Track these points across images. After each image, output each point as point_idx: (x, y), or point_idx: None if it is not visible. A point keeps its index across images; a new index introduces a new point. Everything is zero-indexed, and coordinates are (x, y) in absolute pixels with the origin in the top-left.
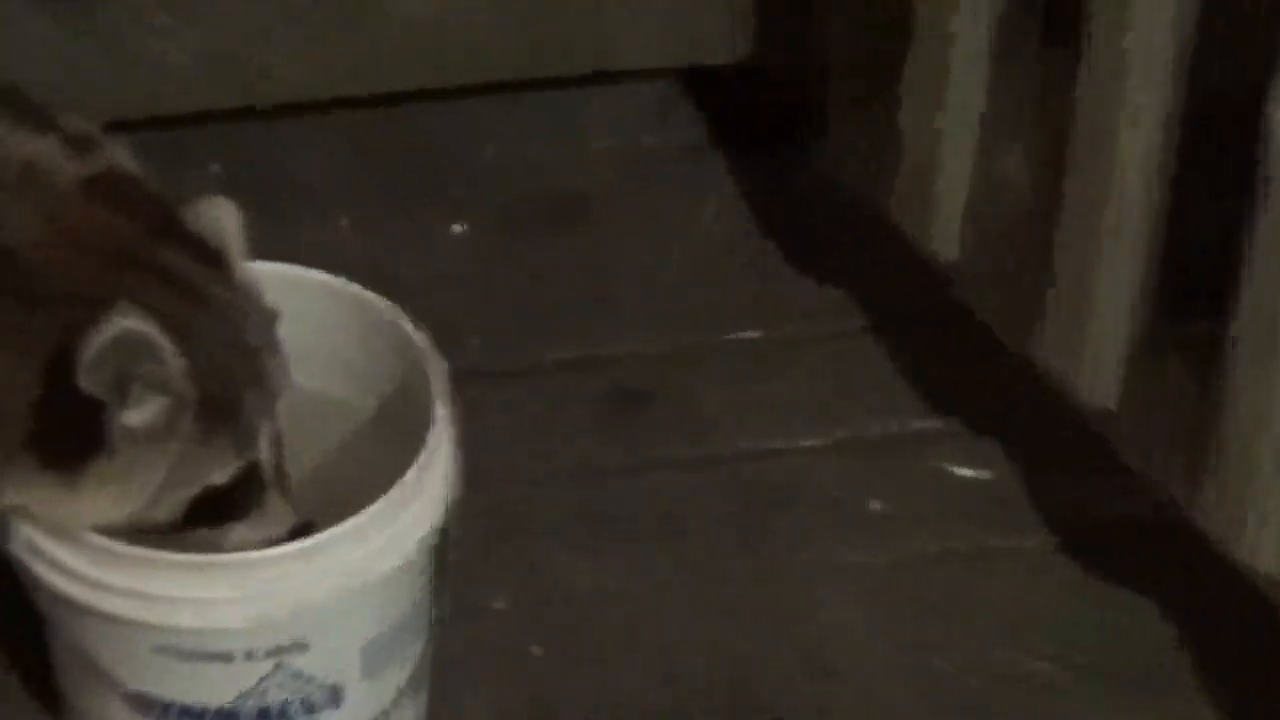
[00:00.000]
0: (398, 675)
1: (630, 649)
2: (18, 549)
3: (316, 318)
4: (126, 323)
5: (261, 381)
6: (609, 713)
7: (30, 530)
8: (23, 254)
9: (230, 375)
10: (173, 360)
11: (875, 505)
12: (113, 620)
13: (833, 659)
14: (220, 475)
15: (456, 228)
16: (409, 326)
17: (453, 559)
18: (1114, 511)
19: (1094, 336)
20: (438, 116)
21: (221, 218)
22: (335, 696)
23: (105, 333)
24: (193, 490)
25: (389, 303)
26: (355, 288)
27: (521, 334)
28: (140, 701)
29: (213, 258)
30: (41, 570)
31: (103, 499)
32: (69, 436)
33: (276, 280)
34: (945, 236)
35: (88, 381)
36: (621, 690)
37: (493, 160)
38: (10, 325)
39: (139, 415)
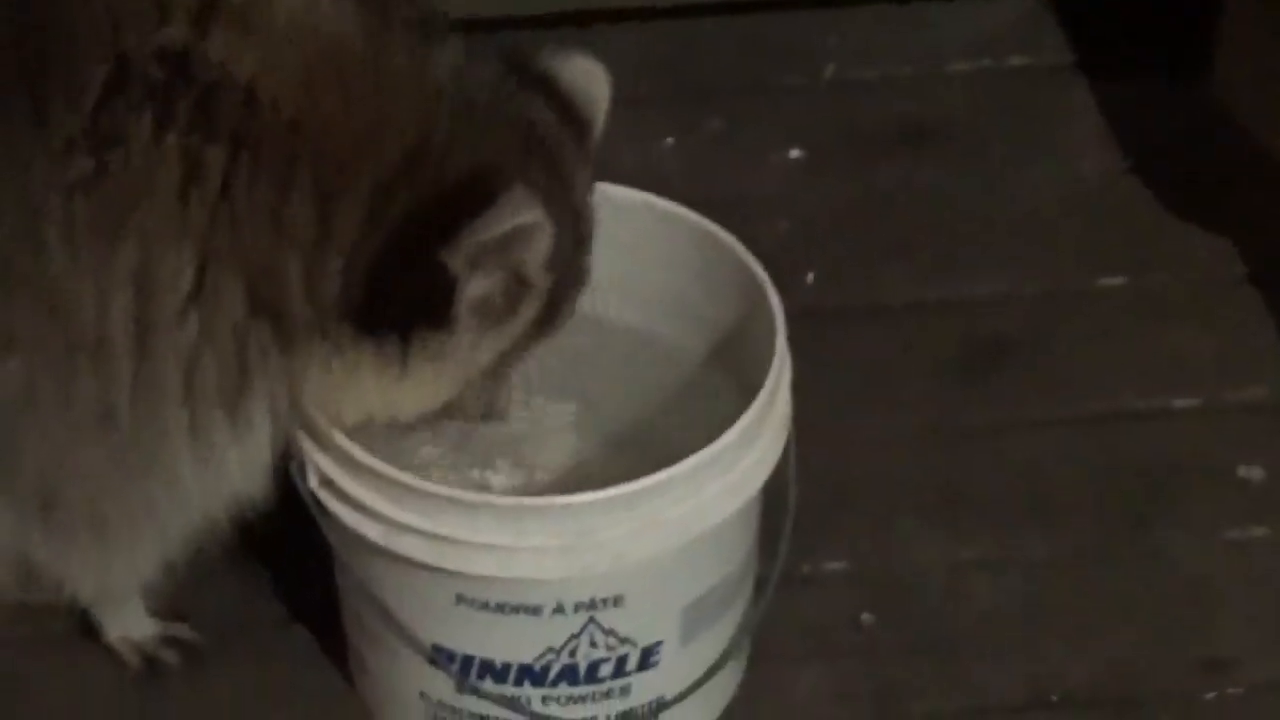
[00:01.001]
0: (718, 640)
1: (989, 635)
2: (313, 484)
3: (649, 247)
4: (527, 217)
5: (583, 279)
6: (955, 700)
7: (328, 464)
8: (363, 91)
9: (570, 268)
10: (544, 251)
11: (1256, 474)
12: (412, 565)
13: (1231, 655)
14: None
15: (793, 152)
16: (750, 258)
17: (786, 522)
18: None
19: None
20: (772, 28)
21: (594, 82)
22: (649, 659)
23: (505, 221)
24: (503, 379)
25: (726, 233)
26: (693, 214)
27: (864, 272)
28: (438, 655)
29: (578, 125)
30: (337, 508)
31: (424, 379)
32: (398, 306)
33: (605, 203)
34: None
35: (459, 261)
36: (973, 680)
37: (834, 79)
38: (331, 168)
39: (487, 294)
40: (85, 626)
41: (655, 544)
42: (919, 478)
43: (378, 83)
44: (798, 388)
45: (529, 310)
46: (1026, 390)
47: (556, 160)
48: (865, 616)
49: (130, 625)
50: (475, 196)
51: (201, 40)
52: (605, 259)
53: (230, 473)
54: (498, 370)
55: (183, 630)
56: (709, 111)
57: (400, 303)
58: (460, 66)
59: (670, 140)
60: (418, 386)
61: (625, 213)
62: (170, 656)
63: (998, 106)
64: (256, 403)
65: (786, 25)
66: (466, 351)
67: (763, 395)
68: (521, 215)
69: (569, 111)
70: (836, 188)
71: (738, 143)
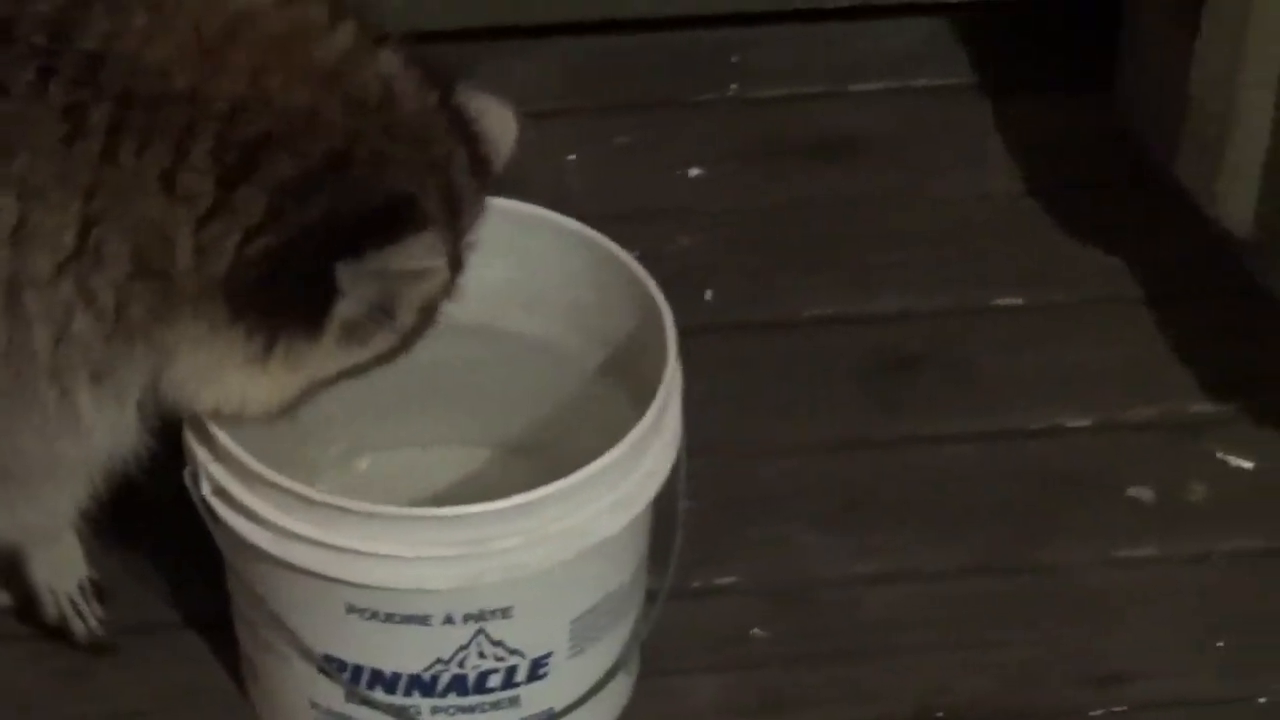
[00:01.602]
0: (608, 652)
1: (882, 647)
2: (206, 492)
3: (548, 260)
4: (430, 261)
5: (439, 322)
6: (846, 713)
7: (220, 473)
8: (285, 77)
9: (434, 311)
10: (427, 294)
11: (1146, 494)
12: (303, 574)
13: (1120, 671)
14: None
15: (697, 169)
16: (643, 272)
17: (686, 534)
18: None
19: None
20: (679, 45)
21: (506, 132)
22: (538, 670)
23: (412, 260)
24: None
25: (619, 248)
26: (589, 229)
27: (767, 287)
28: (328, 664)
29: (483, 173)
30: (229, 516)
31: (277, 379)
32: (278, 302)
33: (505, 217)
34: (1234, 202)
35: (349, 278)
36: (865, 691)
37: (739, 96)
38: (239, 147)
39: (358, 316)
40: None
41: (545, 555)
42: (815, 491)
43: (306, 72)
44: (698, 401)
45: (385, 341)
46: (923, 406)
47: (460, 206)
48: (757, 630)
49: (56, 573)
50: (389, 225)
51: (85, 8)
52: (504, 270)
53: (97, 438)
54: (330, 383)
55: (97, 610)
56: (614, 127)
57: (282, 300)
58: (395, 81)
59: (574, 155)
60: (269, 384)
61: (524, 226)
62: (80, 630)
63: (902, 125)
64: (129, 371)
65: (693, 43)
66: (319, 362)
67: (653, 409)
68: (427, 259)
69: (478, 157)
70: (740, 204)
71: (642, 158)
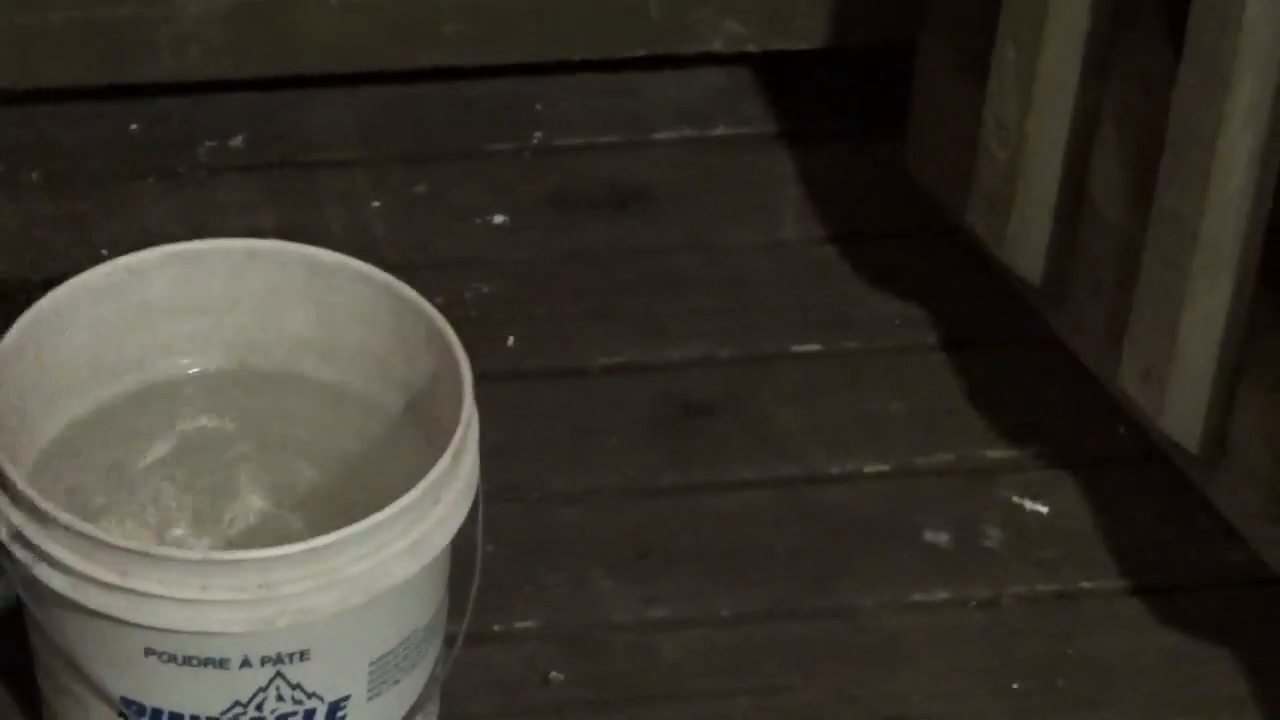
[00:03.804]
0: (406, 695)
1: (676, 692)
2: (3, 537)
3: (345, 306)
4: None
5: None
6: None
7: (17, 516)
8: None
9: None
10: None
11: (942, 539)
12: (100, 618)
13: (914, 714)
14: None
15: (498, 216)
16: (440, 319)
17: (481, 579)
18: (1195, 555)
19: (1179, 369)
20: (481, 94)
21: None
22: (336, 713)
23: None
24: None
25: (417, 294)
26: (387, 276)
27: (566, 334)
28: (127, 708)
29: None
30: (26, 560)
31: None
32: None
33: (304, 264)
34: (1025, 249)
35: None
36: None
37: (541, 145)
38: None
39: None
40: None
41: (338, 600)
42: (610, 537)
43: None
44: (496, 448)
45: None
46: (722, 452)
47: None
48: (555, 674)
49: None
50: None
51: None
52: (305, 318)
53: None
54: None
55: None
56: (416, 175)
57: None
58: None
59: (377, 203)
60: None
61: (324, 273)
62: None
63: (701, 174)
64: None
65: (495, 92)
66: None
67: (446, 455)
68: None
69: None
70: (542, 252)
71: (444, 206)
